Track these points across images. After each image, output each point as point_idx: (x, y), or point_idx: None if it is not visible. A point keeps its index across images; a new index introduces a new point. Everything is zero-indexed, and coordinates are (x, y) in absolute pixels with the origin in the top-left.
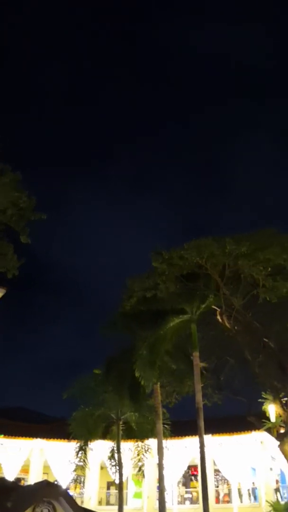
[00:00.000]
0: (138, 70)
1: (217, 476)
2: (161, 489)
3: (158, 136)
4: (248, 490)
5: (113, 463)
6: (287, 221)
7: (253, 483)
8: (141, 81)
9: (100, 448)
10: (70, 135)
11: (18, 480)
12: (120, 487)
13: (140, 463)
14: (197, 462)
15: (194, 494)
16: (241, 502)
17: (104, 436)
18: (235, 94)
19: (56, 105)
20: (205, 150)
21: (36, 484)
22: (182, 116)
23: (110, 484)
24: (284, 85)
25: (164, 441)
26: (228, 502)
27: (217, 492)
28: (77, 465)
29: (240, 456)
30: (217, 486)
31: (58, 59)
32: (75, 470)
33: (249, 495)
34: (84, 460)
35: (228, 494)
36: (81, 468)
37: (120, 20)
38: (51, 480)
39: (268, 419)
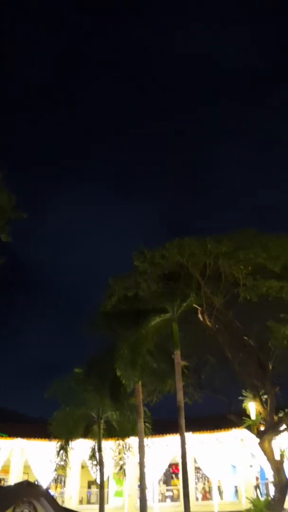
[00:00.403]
0: (126, 71)
1: (198, 474)
2: (142, 487)
3: (142, 137)
4: (236, 487)
5: (94, 462)
6: (271, 221)
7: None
8: (126, 82)
9: (81, 447)
10: (53, 135)
11: None
12: (101, 486)
13: (121, 462)
14: (178, 460)
15: (175, 492)
16: (222, 499)
17: (85, 435)
18: (219, 95)
19: (41, 106)
20: (189, 150)
21: (16, 484)
22: (166, 117)
23: (91, 483)
24: (268, 87)
25: (145, 440)
26: (209, 499)
27: (201, 490)
28: (58, 465)
29: (221, 454)
30: (204, 484)
31: (39, 60)
32: (56, 470)
33: (236, 492)
34: (65, 460)
35: (209, 492)
36: (62, 468)
37: (102, 21)
38: (31, 480)
39: (248, 416)
